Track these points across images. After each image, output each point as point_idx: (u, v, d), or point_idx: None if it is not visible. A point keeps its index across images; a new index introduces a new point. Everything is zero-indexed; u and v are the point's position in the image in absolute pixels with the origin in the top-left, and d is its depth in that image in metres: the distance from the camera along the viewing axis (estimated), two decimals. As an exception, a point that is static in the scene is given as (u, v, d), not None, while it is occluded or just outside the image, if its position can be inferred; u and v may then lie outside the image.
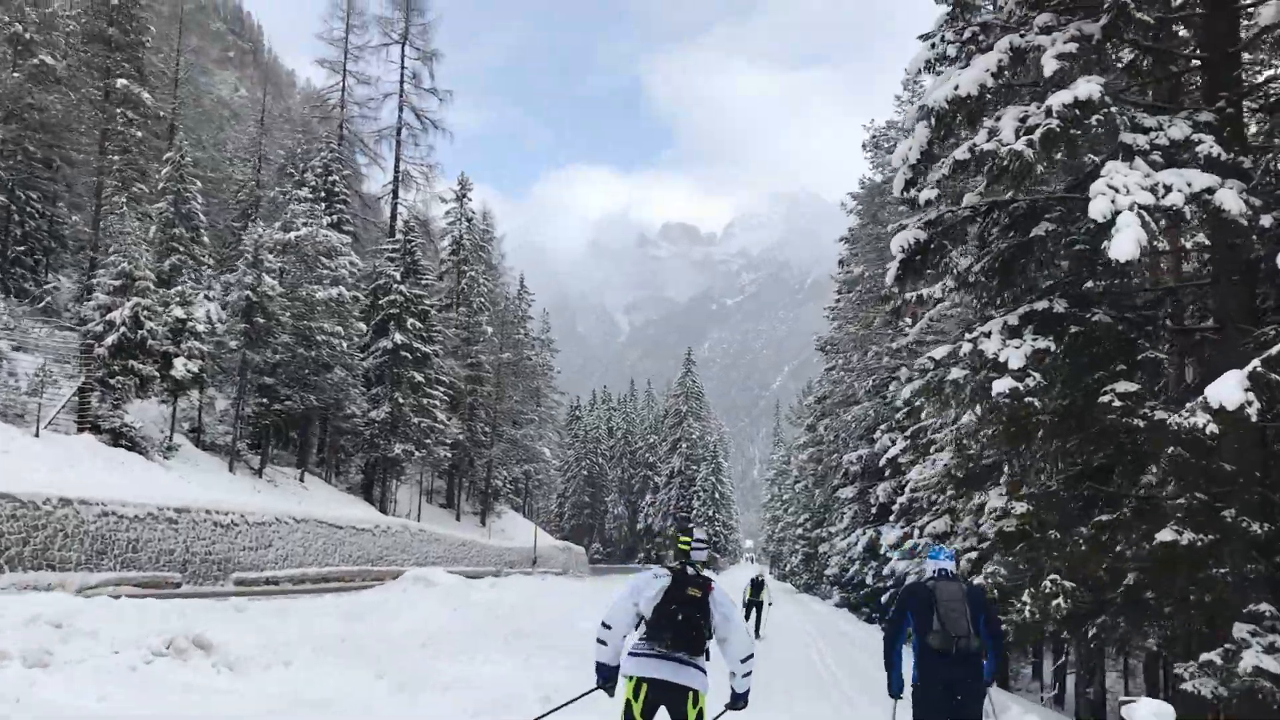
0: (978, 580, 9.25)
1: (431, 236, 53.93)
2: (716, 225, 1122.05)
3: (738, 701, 6.15)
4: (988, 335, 8.75)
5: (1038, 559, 8.99)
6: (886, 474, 30.26)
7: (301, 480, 39.72)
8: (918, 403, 8.84)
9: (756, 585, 25.84)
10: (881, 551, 29.18)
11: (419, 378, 44.75)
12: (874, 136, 32.00)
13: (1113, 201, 7.27)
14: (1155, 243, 7.22)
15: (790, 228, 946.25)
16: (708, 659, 6.06)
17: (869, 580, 34.46)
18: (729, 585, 61.17)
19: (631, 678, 5.93)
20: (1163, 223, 7.31)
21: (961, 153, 8.70)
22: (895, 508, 26.56)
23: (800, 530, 58.49)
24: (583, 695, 6.93)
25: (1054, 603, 8.08)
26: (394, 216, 50.73)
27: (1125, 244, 7.03)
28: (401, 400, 44.11)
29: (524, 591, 26.06)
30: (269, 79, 74.18)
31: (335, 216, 43.63)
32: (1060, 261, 9.72)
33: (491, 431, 56.72)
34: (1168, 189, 7.31)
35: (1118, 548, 8.30)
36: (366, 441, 44.54)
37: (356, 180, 51.15)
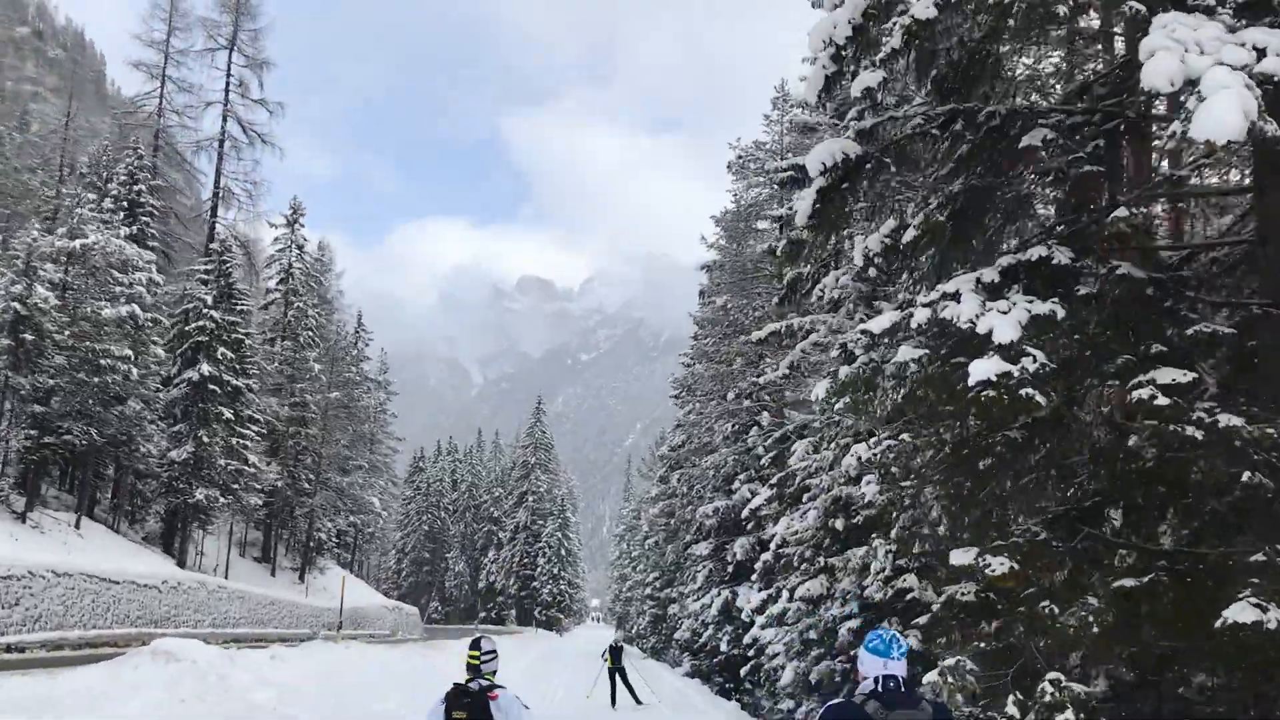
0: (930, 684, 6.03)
1: (254, 262, 49.03)
2: (573, 281, 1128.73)
3: None
4: (954, 297, 5.69)
5: (1021, 645, 5.93)
6: (748, 527, 27.30)
7: (77, 527, 34.11)
8: (838, 405, 5.91)
9: (615, 651, 25.25)
10: (742, 615, 26.02)
11: (229, 414, 39.73)
12: (740, 156, 29.43)
13: (1182, 60, 4.38)
14: (1263, 123, 4.30)
15: (646, 286, 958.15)
16: None
17: (724, 646, 31.26)
18: (574, 646, 57.06)
19: None
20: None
21: (922, 8, 5.69)
22: (757, 566, 23.49)
23: (649, 589, 55.10)
24: None
25: (1060, 718, 5.03)
26: (211, 235, 45.74)
27: (1223, 114, 4.12)
28: (208, 439, 38.99)
29: (317, 666, 21.70)
30: (79, 89, 67.57)
31: (137, 229, 38.53)
32: (1053, 195, 6.86)
33: (315, 478, 51.56)
34: (1261, 51, 4.48)
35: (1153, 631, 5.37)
36: (166, 485, 39.17)
37: (170, 195, 45.97)
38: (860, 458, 10.43)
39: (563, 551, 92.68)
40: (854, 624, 15.89)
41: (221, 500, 38.96)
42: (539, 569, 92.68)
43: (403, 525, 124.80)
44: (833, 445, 13.55)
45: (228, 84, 46.80)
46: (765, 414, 31.16)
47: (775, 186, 26.86)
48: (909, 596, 11.49)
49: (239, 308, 41.08)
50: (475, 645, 6.24)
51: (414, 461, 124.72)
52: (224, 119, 46.56)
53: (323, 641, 31.49)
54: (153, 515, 41.49)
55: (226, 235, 44.83)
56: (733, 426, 32.12)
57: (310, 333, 52.71)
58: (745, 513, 26.20)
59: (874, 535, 14.23)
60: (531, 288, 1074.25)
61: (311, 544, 54.15)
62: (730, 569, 32.43)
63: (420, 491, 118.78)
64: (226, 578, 45.47)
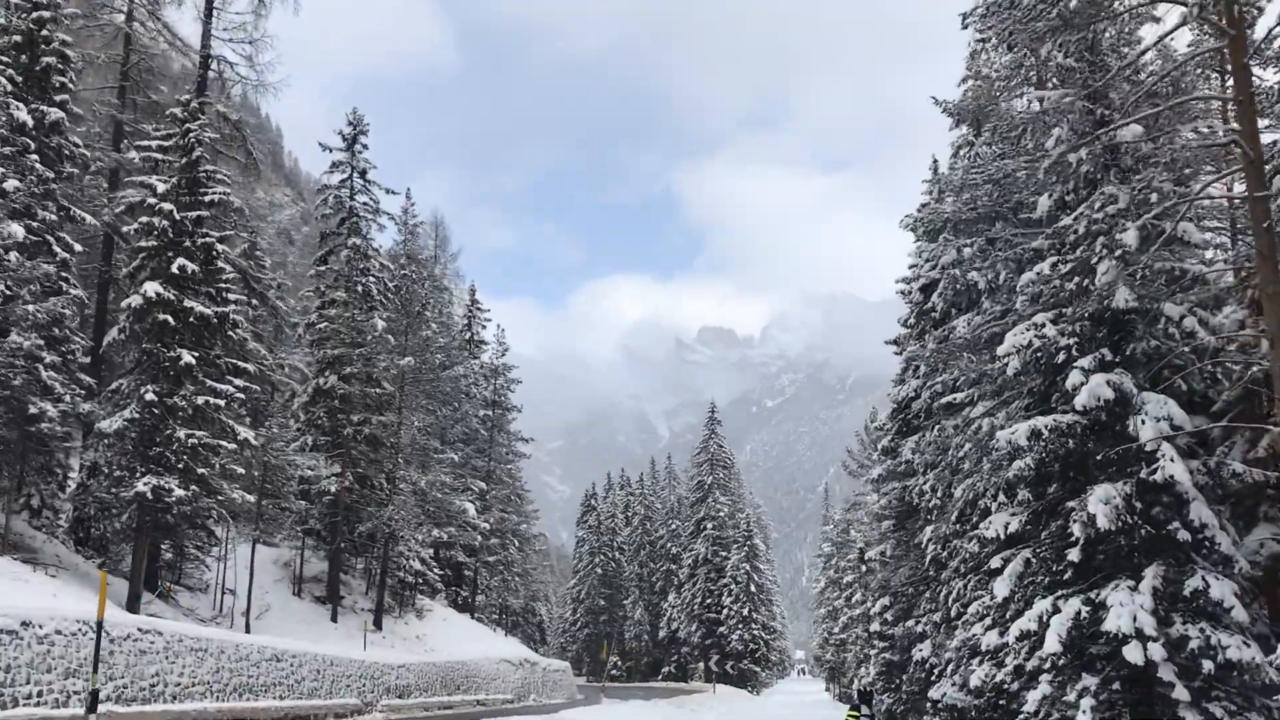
0: None
1: (255, 150, 34.50)
2: (753, 328, 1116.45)
3: None
4: None
5: None
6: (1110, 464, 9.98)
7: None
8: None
9: (865, 696, 24.71)
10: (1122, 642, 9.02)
11: (191, 359, 25.05)
12: None
13: None
14: None
15: (828, 328, 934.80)
16: None
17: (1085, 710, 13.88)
18: (771, 713, 40.00)
19: None
20: None
21: None
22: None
23: (876, 624, 37.29)
24: None
25: None
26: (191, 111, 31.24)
27: None
28: (158, 397, 24.42)
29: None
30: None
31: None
32: None
33: (390, 483, 36.50)
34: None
35: None
36: (89, 472, 24.84)
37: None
38: None
39: (752, 588, 74.78)
40: None
41: (178, 493, 24.07)
42: (725, 610, 75.13)
43: (576, 570, 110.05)
44: None
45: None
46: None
47: None
48: None
49: (206, 196, 26.60)
50: (854, 709, 10.56)
51: (585, 499, 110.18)
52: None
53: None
54: (107, 526, 27.06)
55: (210, 113, 30.46)
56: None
57: (377, 281, 38.18)
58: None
59: None
60: (712, 338, 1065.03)
61: (396, 574, 39.00)
62: (1077, 555, 15.26)
63: (592, 530, 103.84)
64: (248, 625, 30.81)
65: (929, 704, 27.94)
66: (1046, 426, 15.48)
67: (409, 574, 39.81)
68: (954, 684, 26.01)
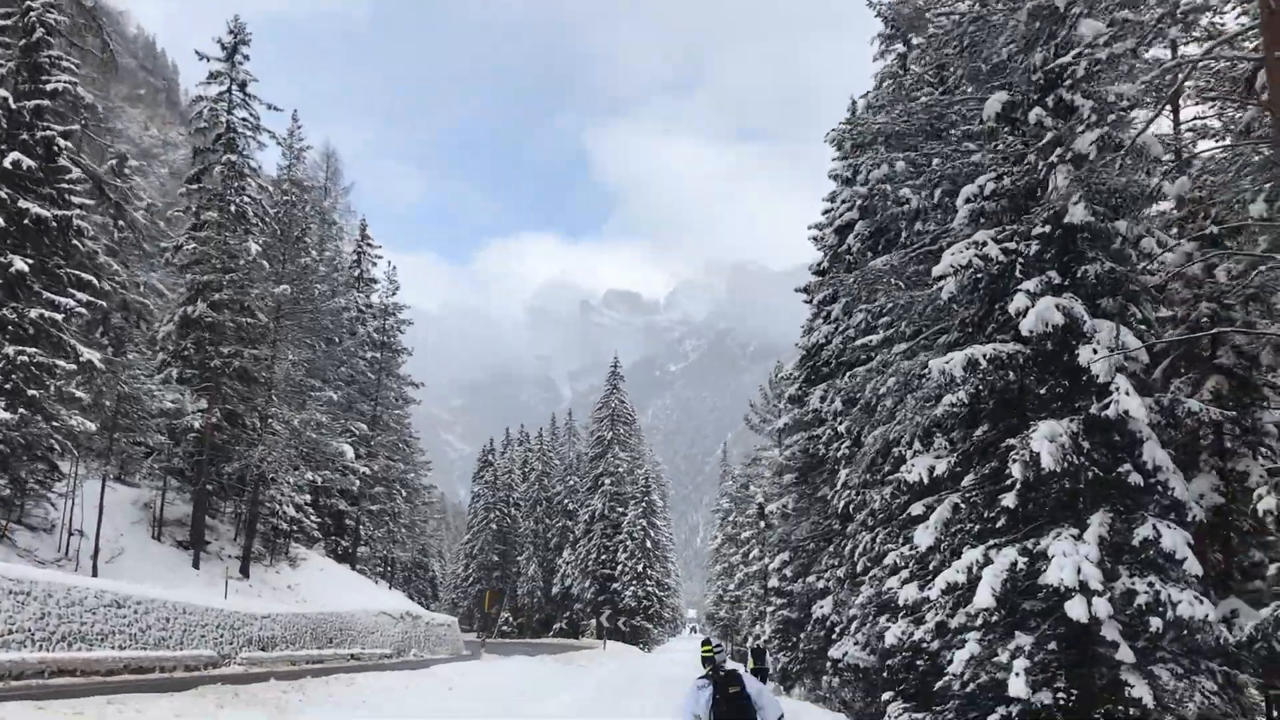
0: None
1: (112, 41, 31.00)
2: (659, 293, 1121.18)
3: None
4: None
5: None
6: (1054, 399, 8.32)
7: None
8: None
9: (757, 654, 25.71)
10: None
11: (23, 266, 21.94)
12: None
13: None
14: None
15: (732, 296, 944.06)
16: None
17: (1019, 681, 12.28)
18: (659, 670, 37.96)
19: None
20: None
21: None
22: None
23: (775, 580, 35.90)
24: None
25: None
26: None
27: None
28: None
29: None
30: None
31: None
32: None
33: (261, 421, 33.61)
34: None
35: None
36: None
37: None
38: None
39: (648, 544, 73.36)
40: None
41: (3, 415, 21.06)
42: (620, 566, 73.61)
43: (470, 525, 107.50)
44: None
45: None
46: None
47: None
48: None
49: (50, 85, 23.32)
50: (706, 642, 8.32)
51: (483, 455, 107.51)
52: None
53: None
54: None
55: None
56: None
57: (254, 203, 35.01)
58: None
59: None
60: (619, 301, 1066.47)
61: (270, 520, 36.20)
62: (1014, 500, 13.72)
63: (488, 486, 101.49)
64: (95, 569, 27.97)
65: (829, 663, 26.60)
66: (985, 356, 13.79)
67: (283, 520, 37.01)
68: (857, 643, 24.67)
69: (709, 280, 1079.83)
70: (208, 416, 32.48)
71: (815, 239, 34.67)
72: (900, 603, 15.83)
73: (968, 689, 13.61)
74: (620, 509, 76.38)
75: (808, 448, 32.39)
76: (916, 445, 17.71)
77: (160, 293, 39.31)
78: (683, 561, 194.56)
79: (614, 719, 16.27)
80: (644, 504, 73.30)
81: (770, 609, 37.84)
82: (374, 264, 50.31)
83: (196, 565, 32.77)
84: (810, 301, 34.30)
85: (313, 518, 39.71)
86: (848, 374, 25.30)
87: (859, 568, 23.72)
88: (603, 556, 76.59)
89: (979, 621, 13.24)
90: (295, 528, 38.65)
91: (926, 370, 14.41)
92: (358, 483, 39.34)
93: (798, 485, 33.71)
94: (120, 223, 29.86)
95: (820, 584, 29.99)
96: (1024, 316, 13.40)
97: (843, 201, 30.84)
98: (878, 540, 22.74)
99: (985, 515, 14.35)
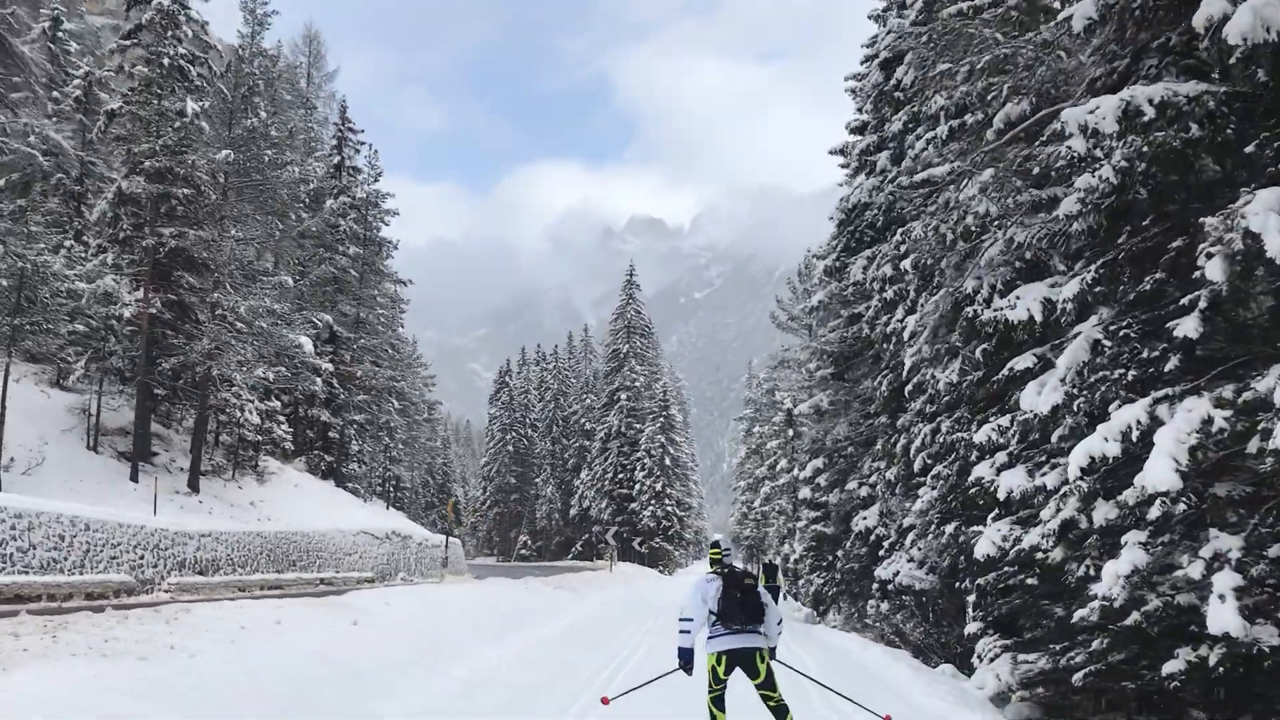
0: None
1: None
2: (683, 219, 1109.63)
3: (772, 653, 7.99)
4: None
5: None
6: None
7: None
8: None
9: (770, 570, 23.59)
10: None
11: None
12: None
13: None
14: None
15: (756, 220, 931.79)
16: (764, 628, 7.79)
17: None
18: (672, 594, 34.03)
19: (714, 654, 7.77)
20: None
21: None
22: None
23: (806, 491, 31.09)
24: (664, 675, 8.63)
25: None
26: None
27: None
28: None
29: None
30: None
31: None
32: None
33: (209, 311, 28.83)
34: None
35: None
36: None
37: None
38: None
39: (667, 461, 68.77)
40: None
41: None
42: (637, 485, 69.19)
43: (487, 448, 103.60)
44: None
45: None
46: None
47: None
48: None
49: None
50: (715, 545, 8.17)
51: (499, 376, 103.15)
52: None
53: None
54: None
55: None
56: None
57: (191, 58, 29.82)
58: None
59: None
60: (641, 228, 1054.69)
61: (237, 431, 31.64)
62: (1196, 326, 8.36)
63: (505, 407, 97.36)
64: (-1, 478, 23.57)
65: (875, 585, 21.83)
66: (1154, 100, 8.63)
67: (247, 428, 32.48)
68: (911, 559, 19.86)
69: (732, 205, 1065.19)
70: (145, 305, 27.74)
71: (852, 91, 29.35)
72: (1001, 497, 10.85)
73: (1125, 620, 8.69)
74: (638, 425, 71.77)
75: (845, 336, 27.35)
76: (1006, 298, 12.63)
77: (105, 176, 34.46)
78: (709, 487, 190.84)
79: (555, 681, 11.43)
80: (662, 419, 68.58)
81: (801, 524, 33.10)
82: (356, 151, 45.10)
83: (135, 479, 28.29)
84: (846, 166, 29.04)
85: (285, 427, 35.19)
86: (900, 231, 20.13)
87: (916, 466, 18.77)
88: (620, 475, 72.24)
89: (1152, 515, 8.25)
90: (264, 438, 34.16)
91: (1059, 126, 9.20)
92: (319, 381, 34.63)
93: (833, 380, 28.71)
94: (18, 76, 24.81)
95: (863, 491, 25.14)
96: (1224, 26, 8.17)
97: (889, 32, 25.38)
98: (942, 430, 17.75)
99: (1143, 357, 9.30)
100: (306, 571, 29.57)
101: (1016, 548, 10.51)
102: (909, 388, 18.84)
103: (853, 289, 24.60)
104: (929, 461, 18.53)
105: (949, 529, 17.25)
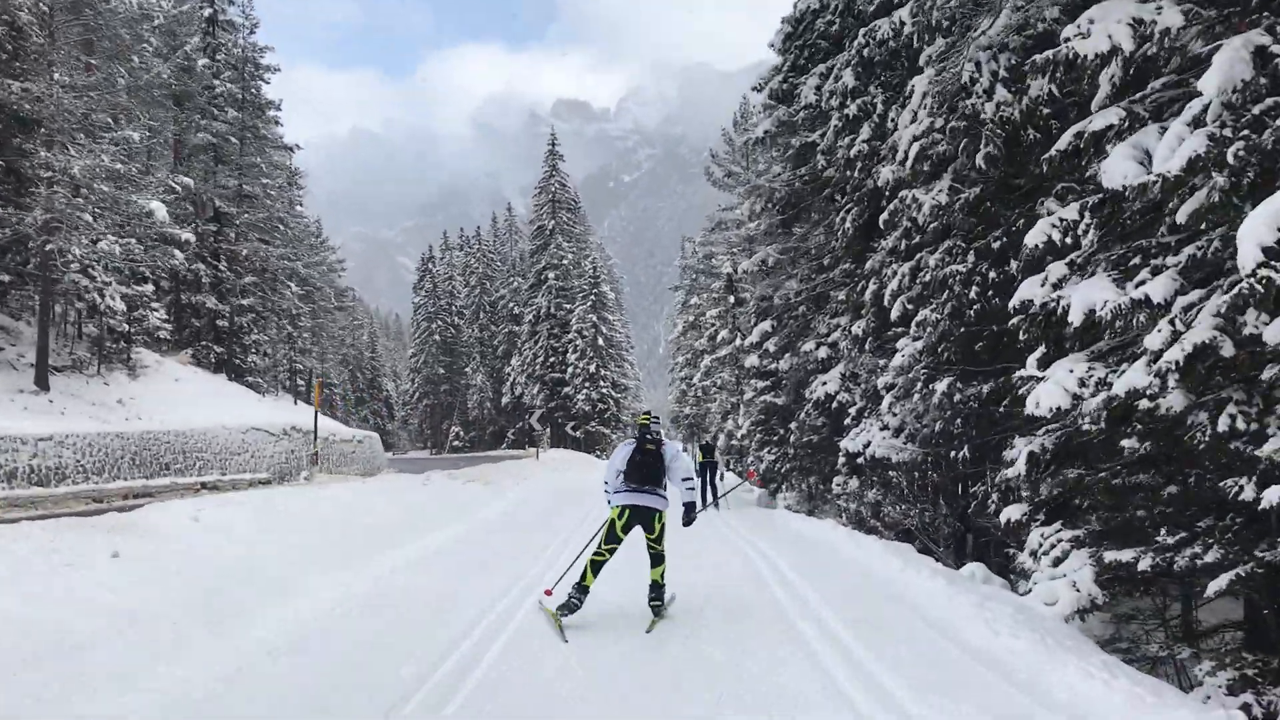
0: None
1: None
2: (609, 101, 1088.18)
3: (689, 511, 9.12)
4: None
5: None
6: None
7: None
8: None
9: (706, 449, 22.96)
10: None
11: None
12: None
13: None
14: None
15: (685, 100, 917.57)
16: (665, 490, 8.59)
17: None
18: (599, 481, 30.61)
19: (617, 507, 8.57)
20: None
21: None
22: None
23: (754, 358, 27.73)
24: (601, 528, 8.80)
25: None
26: None
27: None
28: None
29: None
30: None
31: None
32: None
33: (42, 173, 24.01)
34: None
35: None
36: None
37: None
38: None
39: (600, 341, 65.20)
40: None
41: None
42: (570, 368, 65.67)
43: (413, 338, 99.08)
44: None
45: None
46: None
47: None
48: None
49: None
50: (646, 414, 9.03)
51: (421, 263, 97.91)
52: None
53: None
54: None
55: None
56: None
57: None
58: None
59: None
60: (567, 111, 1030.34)
61: (106, 320, 27.10)
62: None
63: (429, 295, 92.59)
64: None
65: (842, 459, 18.55)
66: None
67: (112, 317, 27.99)
68: (886, 426, 16.57)
69: (659, 85, 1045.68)
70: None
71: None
72: (1076, 320, 7.31)
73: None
74: (568, 305, 67.85)
75: (794, 178, 23.58)
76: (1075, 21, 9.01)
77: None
78: (646, 371, 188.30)
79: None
80: (593, 297, 64.69)
81: (747, 397, 29.80)
82: (231, 3, 39.49)
83: (-32, 375, 23.92)
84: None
85: (160, 315, 30.72)
86: (863, 32, 16.22)
87: (894, 314, 15.32)
88: (551, 359, 68.59)
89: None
90: (135, 328, 29.72)
91: None
92: (178, 254, 30.06)
93: (782, 230, 25.05)
94: None
95: (821, 353, 21.73)
96: None
97: None
98: (928, 267, 14.24)
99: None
100: (184, 475, 25.64)
101: (1108, 393, 7.01)
102: (883, 216, 15.23)
103: (804, 114, 20.74)
104: (909, 307, 15.08)
105: (940, 386, 13.89)
